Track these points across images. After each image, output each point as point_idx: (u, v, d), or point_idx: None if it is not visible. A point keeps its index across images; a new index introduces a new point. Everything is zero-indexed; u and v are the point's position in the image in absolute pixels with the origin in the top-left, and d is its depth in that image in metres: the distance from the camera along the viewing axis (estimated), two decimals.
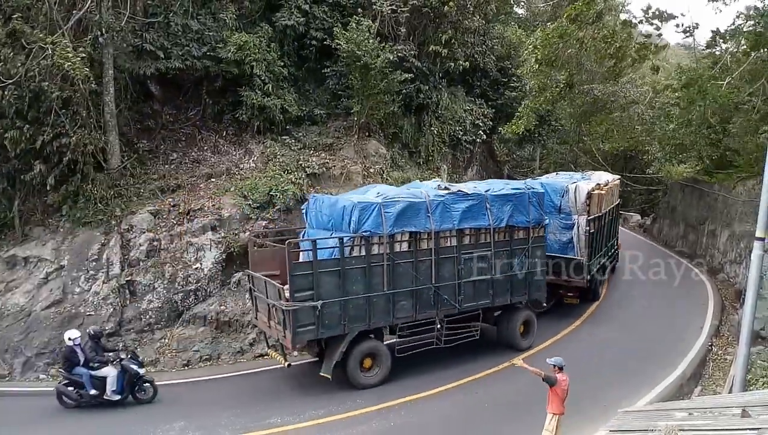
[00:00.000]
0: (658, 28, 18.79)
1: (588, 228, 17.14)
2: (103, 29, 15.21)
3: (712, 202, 25.03)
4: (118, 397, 11.42)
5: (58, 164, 14.69)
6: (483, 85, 25.74)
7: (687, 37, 21.26)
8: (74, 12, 14.87)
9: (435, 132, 22.08)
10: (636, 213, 39.88)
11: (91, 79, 14.47)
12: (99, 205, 15.24)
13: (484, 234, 13.62)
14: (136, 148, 17.07)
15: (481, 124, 24.17)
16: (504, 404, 11.70)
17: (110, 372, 11.38)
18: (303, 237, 13.50)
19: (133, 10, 16.26)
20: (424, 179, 20.46)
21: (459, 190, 13.53)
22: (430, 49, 20.95)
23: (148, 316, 14.48)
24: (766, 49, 15.97)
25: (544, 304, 15.67)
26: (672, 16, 18.72)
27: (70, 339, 11.34)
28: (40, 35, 13.81)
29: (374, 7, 19.42)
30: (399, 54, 19.26)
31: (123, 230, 15.13)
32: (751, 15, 17.35)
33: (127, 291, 14.54)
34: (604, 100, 25.22)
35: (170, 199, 16.15)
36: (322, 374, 12.00)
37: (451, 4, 20.23)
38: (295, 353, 13.51)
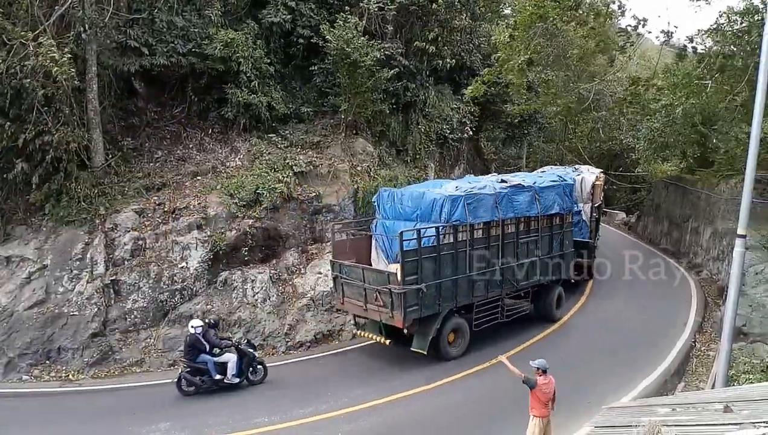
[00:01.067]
0: (636, 28, 18.93)
1: (594, 214, 20.13)
2: (86, 25, 14.99)
3: (695, 199, 25.33)
4: (237, 380, 12.30)
5: (41, 162, 14.48)
6: (470, 84, 25.75)
7: (666, 39, 21.56)
8: (56, 8, 14.64)
9: (422, 130, 22.07)
10: (621, 211, 40.18)
11: (75, 76, 14.28)
12: (83, 203, 15.05)
13: (534, 221, 15.77)
14: (121, 146, 16.87)
15: (467, 122, 24.21)
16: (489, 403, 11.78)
17: (231, 357, 12.29)
18: (377, 227, 15.10)
19: (117, 6, 16.04)
20: (411, 177, 20.52)
21: (518, 184, 15.66)
22: (417, 47, 20.93)
23: (133, 316, 14.34)
24: (745, 49, 16.18)
25: (572, 280, 18.36)
26: (645, 21, 18.92)
27: (193, 328, 12.09)
28: (22, 32, 13.58)
29: (361, 4, 19.35)
30: (386, 52, 19.22)
31: (107, 229, 14.96)
32: (729, 15, 17.59)
33: (111, 290, 14.38)
34: (590, 99, 25.39)
35: (155, 198, 16.01)
36: (415, 350, 13.35)
37: (439, 2, 20.23)
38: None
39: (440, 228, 13.28)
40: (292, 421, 10.88)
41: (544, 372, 9.08)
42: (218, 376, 12.09)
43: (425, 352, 13.24)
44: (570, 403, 10.54)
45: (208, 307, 14.93)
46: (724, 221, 20.88)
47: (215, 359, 12.16)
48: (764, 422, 5.33)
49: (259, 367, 12.78)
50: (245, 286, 15.65)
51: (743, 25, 16.72)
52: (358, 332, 14.72)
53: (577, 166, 23.21)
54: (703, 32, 20.69)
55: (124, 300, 14.41)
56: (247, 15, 19.01)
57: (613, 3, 19.52)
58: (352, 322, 15.14)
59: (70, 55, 13.81)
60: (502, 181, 15.81)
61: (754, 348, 14.27)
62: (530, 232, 15.67)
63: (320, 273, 16.66)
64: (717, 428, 5.59)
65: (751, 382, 11.65)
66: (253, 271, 16.03)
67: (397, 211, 14.81)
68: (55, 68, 13.24)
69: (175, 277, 14.88)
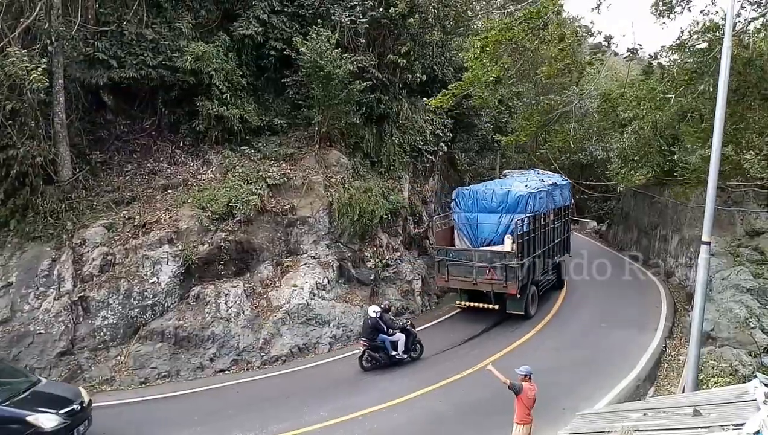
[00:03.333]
0: (607, 45, 19.38)
1: (573, 209, 25.73)
2: (53, 38, 14.73)
3: (662, 208, 25.94)
4: (405, 356, 14.56)
5: (6, 177, 14.08)
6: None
7: (630, 57, 22.17)
8: (22, 20, 14.37)
9: (396, 142, 22.16)
10: (592, 220, 40.88)
11: (41, 88, 13.99)
12: (49, 218, 14.68)
13: (561, 210, 21.27)
14: (89, 160, 16.54)
15: (441, 134, 24.40)
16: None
17: (400, 337, 14.56)
18: (459, 220, 18.81)
19: (85, 18, 15.85)
20: (386, 189, 20.56)
21: (554, 183, 21.02)
22: (390, 60, 21.08)
23: (102, 333, 13.99)
24: (708, 63, 16.64)
25: (570, 255, 23.62)
26: (611, 38, 19.37)
27: (375, 312, 14.36)
28: None
29: (333, 17, 19.43)
30: (359, 65, 19.30)
31: (75, 244, 14.61)
32: (691, 32, 18.08)
33: (79, 307, 14.02)
34: (556, 111, 25.87)
35: (125, 212, 15.70)
36: (512, 312, 17.72)
37: (414, 18, 20.41)
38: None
39: (530, 217, 17.66)
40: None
41: (529, 378, 9.16)
42: (394, 352, 14.30)
43: (523, 313, 17.79)
44: (546, 409, 10.62)
45: (181, 322, 14.65)
46: (691, 229, 21.42)
47: (390, 338, 14.27)
48: (732, 425, 5.45)
49: (417, 345, 14.91)
50: (218, 301, 15.41)
51: (704, 43, 17.18)
52: (462, 303, 18.51)
53: (538, 171, 25.80)
54: (667, 48, 21.27)
55: (93, 317, 14.05)
56: (219, 28, 18.91)
57: (580, 21, 20.10)
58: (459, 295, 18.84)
59: (44, 66, 13.55)
60: (542, 180, 20.62)
61: (722, 352, 14.58)
62: (559, 218, 20.98)
63: (295, 285, 16.54)
64: (687, 432, 5.69)
65: (720, 386, 11.88)
66: (227, 285, 15.81)
67: (481, 205, 18.47)
68: (33, 75, 12.93)
69: (145, 293, 14.58)
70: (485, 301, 17.78)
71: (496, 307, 17.48)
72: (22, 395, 9.92)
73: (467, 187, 19.81)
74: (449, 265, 17.94)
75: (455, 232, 19.04)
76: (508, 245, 17.35)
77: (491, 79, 17.14)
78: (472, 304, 18.14)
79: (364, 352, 14.27)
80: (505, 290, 17.00)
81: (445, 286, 19.15)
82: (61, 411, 9.75)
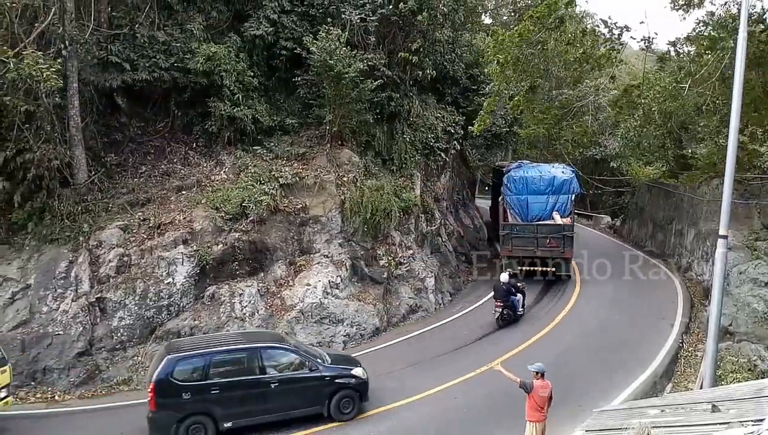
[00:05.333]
0: (619, 36, 19.19)
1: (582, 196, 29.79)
2: (67, 42, 14.92)
3: (678, 202, 25.62)
4: (521, 313, 17.62)
5: (22, 180, 14.31)
6: (453, 93, 25.86)
7: (646, 46, 21.95)
8: (36, 25, 14.56)
9: (407, 139, 22.11)
10: (606, 214, 40.45)
11: (56, 92, 14.17)
12: (66, 221, 14.89)
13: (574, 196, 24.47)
14: (104, 162, 16.74)
15: (452, 131, 24.30)
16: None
17: (519, 297, 17.56)
18: (511, 201, 22.29)
19: (98, 22, 16.03)
20: (397, 187, 20.54)
21: (575, 171, 23.89)
22: (400, 57, 21.05)
23: (119, 334, 14.16)
24: (721, 53, 16.43)
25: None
26: (629, 28, 19.22)
27: (510, 277, 17.53)
28: (3, 48, 13.47)
29: (343, 16, 19.42)
30: (369, 63, 19.27)
31: (92, 246, 14.79)
32: (709, 22, 17.86)
33: (97, 308, 14.21)
34: (572, 106, 25.66)
35: (140, 213, 15.87)
36: (562, 274, 21.28)
37: (423, 15, 20.36)
38: None
39: (574, 196, 22.11)
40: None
41: (542, 376, 9.06)
42: (520, 310, 17.45)
43: (569, 274, 21.62)
44: (563, 405, 10.56)
45: (196, 322, 14.78)
46: (707, 222, 21.13)
47: (516, 299, 17.25)
48: (752, 421, 5.38)
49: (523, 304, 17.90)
50: (233, 300, 15.53)
51: (721, 34, 16.95)
52: (523, 269, 21.38)
53: (524, 162, 27.35)
54: (683, 39, 21.04)
55: (110, 318, 14.23)
56: (230, 29, 19.02)
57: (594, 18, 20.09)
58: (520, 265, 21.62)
59: (58, 66, 13.72)
60: (564, 169, 23.83)
61: (741, 347, 14.40)
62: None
63: (309, 284, 16.59)
64: (705, 428, 5.63)
65: (738, 381, 11.76)
66: (241, 285, 15.92)
67: (531, 188, 22.19)
68: (46, 74, 13.08)
69: (161, 293, 14.74)
70: (539, 266, 21.29)
71: (554, 269, 21.10)
72: (329, 359, 12.24)
73: (516, 175, 22.91)
74: (513, 238, 21.35)
75: (507, 211, 22.39)
76: (558, 219, 21.37)
77: (526, 88, 17.59)
78: (530, 268, 21.34)
79: (502, 311, 16.95)
80: (562, 256, 20.83)
81: (509, 255, 21.76)
82: (362, 366, 12.31)
